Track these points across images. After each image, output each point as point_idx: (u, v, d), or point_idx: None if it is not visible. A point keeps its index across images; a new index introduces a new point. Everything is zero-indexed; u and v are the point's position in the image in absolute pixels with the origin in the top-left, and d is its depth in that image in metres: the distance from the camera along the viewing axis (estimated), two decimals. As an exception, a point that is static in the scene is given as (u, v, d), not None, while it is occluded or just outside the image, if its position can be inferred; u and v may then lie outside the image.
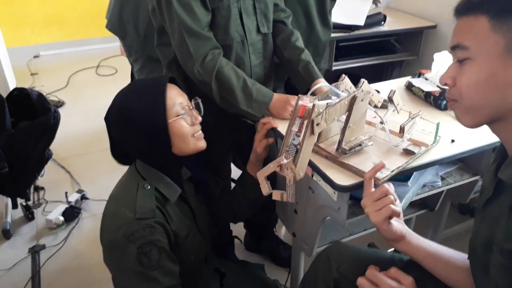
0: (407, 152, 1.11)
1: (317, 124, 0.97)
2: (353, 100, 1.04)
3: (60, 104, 3.36)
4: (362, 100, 1.05)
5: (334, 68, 2.35)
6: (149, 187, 1.05)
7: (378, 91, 1.50)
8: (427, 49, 2.52)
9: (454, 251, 0.98)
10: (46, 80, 3.85)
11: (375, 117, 1.25)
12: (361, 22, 2.23)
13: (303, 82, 1.39)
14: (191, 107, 1.11)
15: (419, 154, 1.11)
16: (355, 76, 2.52)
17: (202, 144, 1.13)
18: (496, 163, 0.81)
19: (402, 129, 1.13)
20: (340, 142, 1.09)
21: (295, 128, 1.00)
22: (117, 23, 1.86)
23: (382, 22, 2.34)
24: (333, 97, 1.06)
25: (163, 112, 1.02)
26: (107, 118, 1.07)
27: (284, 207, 1.42)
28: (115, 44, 2.08)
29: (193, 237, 1.15)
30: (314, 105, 0.95)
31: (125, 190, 1.07)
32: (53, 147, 1.96)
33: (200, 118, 1.12)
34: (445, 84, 0.81)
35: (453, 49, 0.76)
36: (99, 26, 1.98)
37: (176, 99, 1.06)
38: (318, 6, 1.66)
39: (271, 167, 1.01)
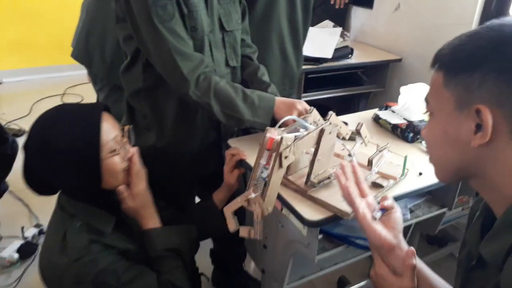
0: (376, 185, 1.10)
1: (285, 157, 0.94)
2: (321, 133, 1.03)
3: (21, 133, 3.22)
4: (330, 133, 1.04)
5: (303, 99, 2.36)
6: (79, 224, 0.95)
7: (346, 123, 1.50)
8: (393, 81, 2.59)
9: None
10: (8, 107, 3.71)
11: (343, 149, 1.24)
12: (329, 55, 2.27)
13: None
14: (124, 139, 1.03)
15: (388, 187, 1.10)
16: (323, 108, 2.54)
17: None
18: (481, 220, 0.74)
19: (370, 162, 1.12)
20: (309, 175, 1.07)
21: (263, 161, 0.97)
22: (82, 51, 1.81)
23: (350, 55, 2.40)
24: (301, 130, 1.05)
25: (97, 148, 0.93)
26: (26, 146, 0.96)
27: (253, 241, 1.37)
28: (83, 71, 2.03)
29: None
30: (282, 138, 0.93)
31: (53, 237, 0.98)
32: (10, 178, 1.85)
33: (131, 152, 1.05)
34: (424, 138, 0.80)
35: (425, 102, 0.75)
36: (66, 52, 1.92)
37: (111, 133, 0.97)
38: (292, 41, 1.69)
39: (238, 202, 0.98)
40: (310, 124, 1.12)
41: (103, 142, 0.93)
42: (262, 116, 1.22)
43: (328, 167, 1.11)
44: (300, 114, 1.17)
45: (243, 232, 0.97)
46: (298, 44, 1.72)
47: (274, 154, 0.95)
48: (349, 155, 1.17)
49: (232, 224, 0.98)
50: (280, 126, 1.05)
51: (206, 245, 1.76)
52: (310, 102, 2.41)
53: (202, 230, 1.23)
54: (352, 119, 1.55)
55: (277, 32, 1.63)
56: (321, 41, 2.27)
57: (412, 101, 1.44)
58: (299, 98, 2.35)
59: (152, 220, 1.08)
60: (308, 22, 1.73)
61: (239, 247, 1.70)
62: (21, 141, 1.82)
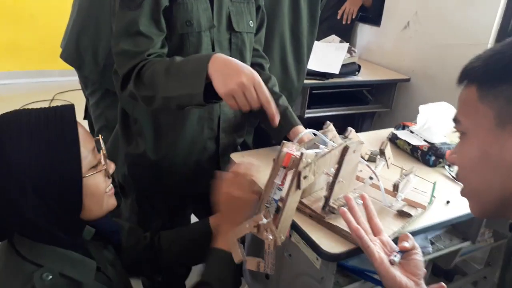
0: (402, 214, 0.96)
1: (305, 177, 0.80)
2: (344, 151, 0.89)
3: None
4: (354, 152, 0.90)
5: (306, 115, 2.23)
6: (50, 276, 0.69)
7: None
8: (400, 102, 2.48)
9: None
10: (-9, 111, 3.52)
11: (361, 170, 1.11)
12: (336, 70, 2.15)
13: (280, 129, 1.24)
14: (104, 153, 0.79)
15: (416, 217, 0.96)
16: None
17: (114, 202, 0.83)
18: None
19: (396, 187, 0.98)
20: (327, 199, 0.92)
21: (277, 180, 0.83)
22: (73, 52, 1.66)
23: (357, 72, 2.29)
24: (320, 146, 0.91)
25: (78, 164, 0.69)
26: None
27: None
28: (73, 78, 1.88)
29: None
30: (302, 154, 0.79)
31: None
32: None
33: (113, 167, 0.82)
34: (452, 163, 0.68)
35: (454, 122, 0.64)
36: (56, 57, 1.78)
37: (89, 142, 0.75)
38: (294, 52, 1.58)
39: (246, 228, 0.83)
40: (330, 140, 0.98)
41: (83, 156, 0.71)
42: (191, 84, 0.91)
43: (349, 190, 0.96)
44: (244, 88, 0.89)
45: (251, 264, 0.82)
46: (300, 56, 1.61)
47: (291, 173, 0.81)
48: (370, 178, 1.03)
49: (237, 254, 0.83)
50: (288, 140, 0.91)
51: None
52: (312, 119, 2.32)
53: (187, 255, 1.05)
54: (366, 138, 1.42)
55: (279, 42, 1.52)
56: (327, 55, 2.16)
57: (433, 121, 1.32)
58: (303, 114, 2.23)
59: (224, 240, 0.90)
60: (314, 33, 1.62)
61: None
62: None
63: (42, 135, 0.68)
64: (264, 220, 0.80)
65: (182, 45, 1.09)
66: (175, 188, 1.26)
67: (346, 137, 1.07)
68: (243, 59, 1.22)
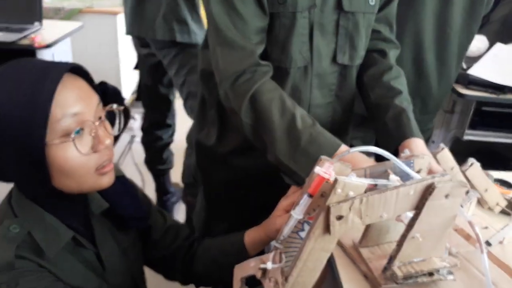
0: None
1: (340, 218, 0.52)
2: (428, 190, 0.55)
3: None
4: (446, 197, 0.55)
5: (467, 137, 1.74)
6: (17, 230, 0.65)
7: (509, 185, 0.94)
8: None
9: None
10: None
11: (486, 227, 0.72)
12: (519, 83, 1.60)
13: (390, 139, 0.91)
14: (102, 120, 0.67)
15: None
16: (497, 156, 1.84)
17: (107, 180, 0.69)
18: None
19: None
20: (391, 259, 0.60)
21: (297, 214, 0.56)
22: (140, 23, 1.63)
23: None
24: (391, 178, 0.59)
25: (42, 125, 0.59)
26: None
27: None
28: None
29: None
30: (336, 181, 0.50)
31: None
32: None
33: (110, 140, 0.67)
34: None
35: None
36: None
37: (70, 106, 0.62)
38: (437, 49, 1.18)
39: (250, 267, 0.59)
40: (418, 172, 0.64)
41: (54, 117, 0.60)
42: (302, 163, 0.80)
43: (433, 254, 0.61)
44: None
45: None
46: (446, 55, 1.21)
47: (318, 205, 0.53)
48: (488, 242, 0.65)
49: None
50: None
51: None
52: (475, 143, 1.80)
53: (215, 267, 0.89)
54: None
55: (414, 32, 1.16)
56: (507, 62, 1.62)
57: None
58: (461, 135, 1.74)
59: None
60: (472, 29, 1.20)
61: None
62: None
63: (21, 85, 0.60)
64: (269, 265, 0.55)
65: (272, 27, 0.89)
66: (245, 190, 1.08)
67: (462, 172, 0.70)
68: (352, 49, 0.94)
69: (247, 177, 1.05)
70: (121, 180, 0.80)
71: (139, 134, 2.18)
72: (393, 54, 1.02)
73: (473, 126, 1.75)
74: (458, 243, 0.69)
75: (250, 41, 0.85)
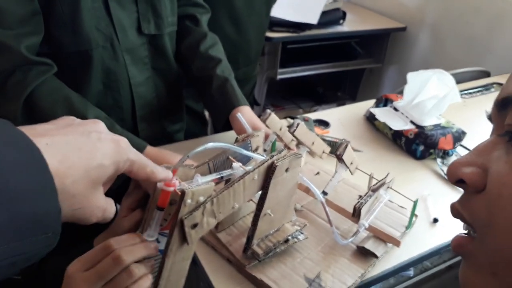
0: (364, 252, 0.65)
1: (194, 226, 0.49)
2: (270, 170, 0.56)
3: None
4: (287, 170, 0.58)
5: (280, 76, 1.87)
6: None
7: (326, 123, 1.04)
8: (393, 56, 2.10)
9: None
10: None
11: (318, 173, 0.80)
12: (314, 19, 1.76)
13: (219, 111, 0.91)
14: None
15: (382, 257, 0.66)
16: (307, 87, 2.03)
17: None
18: None
19: (357, 212, 0.67)
20: (249, 239, 0.61)
21: (151, 231, 0.52)
22: None
23: (341, 21, 1.89)
24: (234, 166, 0.58)
25: None
26: None
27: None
28: None
29: None
30: (183, 193, 0.47)
31: None
32: None
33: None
34: (459, 181, 0.34)
35: (502, 107, 0.31)
36: None
37: None
38: (246, 1, 1.20)
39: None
40: (256, 150, 0.66)
41: None
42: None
43: (285, 221, 0.65)
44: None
45: None
46: (254, 4, 1.24)
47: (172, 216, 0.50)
48: (324, 192, 0.72)
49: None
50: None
51: None
52: (287, 80, 1.95)
53: None
54: (335, 116, 1.09)
55: None
56: (304, 1, 1.76)
57: (424, 96, 0.98)
58: (275, 75, 1.87)
59: None
60: None
61: None
62: None
63: None
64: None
65: (53, 5, 0.74)
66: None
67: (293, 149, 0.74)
68: (156, 17, 0.87)
69: None
70: None
71: None
72: (205, 19, 1.00)
73: (283, 65, 1.89)
74: (300, 197, 0.75)
75: (16, 37, 0.70)
